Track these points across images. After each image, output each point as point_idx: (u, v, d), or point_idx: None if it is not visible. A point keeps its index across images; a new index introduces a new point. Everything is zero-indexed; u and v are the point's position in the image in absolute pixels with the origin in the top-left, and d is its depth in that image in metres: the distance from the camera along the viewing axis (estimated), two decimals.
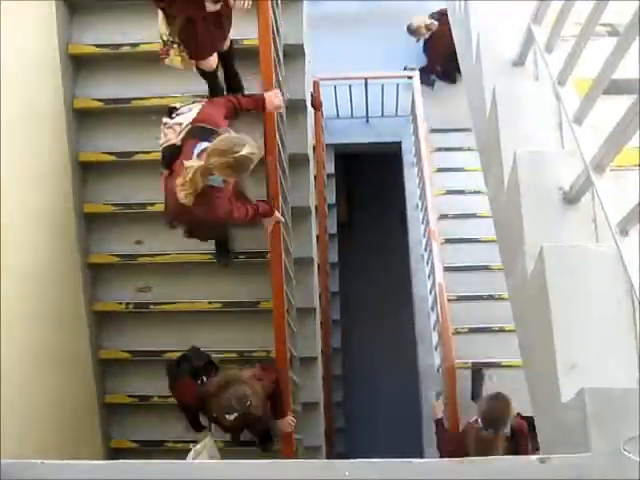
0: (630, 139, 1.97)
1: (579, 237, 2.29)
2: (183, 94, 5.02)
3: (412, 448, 7.41)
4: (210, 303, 5.23)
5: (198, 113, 3.94)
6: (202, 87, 4.86)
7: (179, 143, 3.97)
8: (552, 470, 1.48)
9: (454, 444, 5.03)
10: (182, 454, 5.27)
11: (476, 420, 4.59)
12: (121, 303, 5.30)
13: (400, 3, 9.94)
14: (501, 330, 6.61)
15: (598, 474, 1.46)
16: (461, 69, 3.89)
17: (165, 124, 4.15)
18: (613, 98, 2.23)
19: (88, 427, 5.18)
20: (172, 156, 3.96)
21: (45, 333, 4.46)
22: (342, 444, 9.02)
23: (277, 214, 4.40)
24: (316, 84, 7.95)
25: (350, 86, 8.70)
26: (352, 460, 1.54)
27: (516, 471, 1.50)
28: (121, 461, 1.40)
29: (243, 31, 4.89)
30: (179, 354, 4.67)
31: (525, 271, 2.32)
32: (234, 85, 4.79)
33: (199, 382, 4.30)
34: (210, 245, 5.14)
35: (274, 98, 4.21)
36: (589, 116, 2.24)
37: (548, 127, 2.61)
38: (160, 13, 4.12)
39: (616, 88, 2.23)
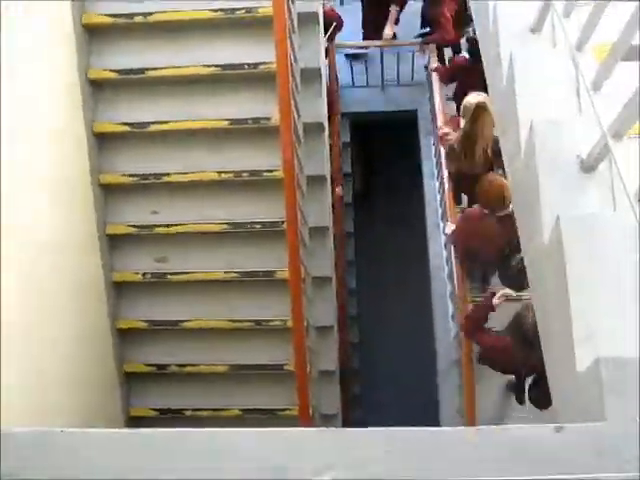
0: None
1: (596, 205, 2.27)
2: (199, 64, 5.03)
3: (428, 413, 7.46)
4: (226, 273, 5.25)
5: None
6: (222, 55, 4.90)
7: None
8: (567, 439, 1.48)
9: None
10: (200, 422, 5.36)
11: None
12: (138, 273, 5.33)
13: None
14: (518, 299, 6.59)
15: (613, 442, 1.46)
16: (477, 34, 3.84)
17: None
18: (632, 64, 2.20)
19: (107, 396, 5.24)
20: None
21: (64, 303, 4.50)
22: (359, 411, 9.09)
23: None
24: (331, 51, 7.90)
25: (366, 54, 8.65)
26: (366, 429, 1.55)
27: (531, 440, 1.50)
28: (140, 429, 1.41)
29: (256, 1, 4.87)
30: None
31: (542, 240, 2.31)
32: None
33: None
34: (224, 213, 5.16)
35: None
36: (607, 83, 2.21)
37: (566, 94, 2.58)
38: None
39: (635, 54, 2.19)
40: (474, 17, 3.94)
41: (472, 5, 4.00)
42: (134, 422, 5.43)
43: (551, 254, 2.22)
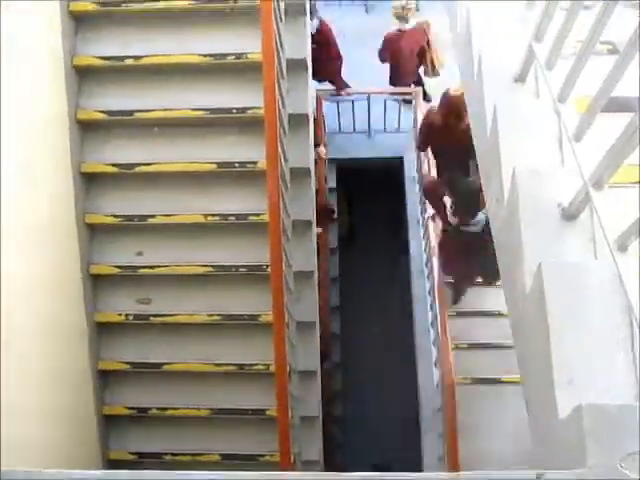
0: (628, 156, 1.98)
1: (578, 253, 2.30)
2: (188, 108, 5.07)
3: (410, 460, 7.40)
4: (209, 315, 5.23)
5: None
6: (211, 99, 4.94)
7: None
8: None
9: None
10: (180, 467, 5.28)
11: None
12: (121, 314, 5.30)
13: None
14: (500, 346, 6.61)
15: None
16: (462, 85, 3.91)
17: None
18: (612, 116, 2.25)
19: (86, 439, 5.17)
20: None
21: (44, 343, 4.46)
22: (341, 458, 9.00)
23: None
24: (319, 99, 8.01)
25: (353, 101, 8.77)
26: (348, 474, 1.54)
27: None
28: (116, 471, 1.40)
29: (247, 45, 4.93)
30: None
31: (524, 287, 2.33)
32: None
33: None
34: (209, 256, 5.17)
35: None
36: (588, 133, 2.25)
37: (548, 144, 2.63)
38: None
39: (615, 105, 2.24)
40: (458, 65, 4.01)
41: (457, 55, 4.07)
42: (112, 465, 5.35)
43: (533, 301, 2.24)
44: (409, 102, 8.95)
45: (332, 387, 8.85)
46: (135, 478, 1.38)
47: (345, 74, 8.72)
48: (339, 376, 9.59)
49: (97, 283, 5.31)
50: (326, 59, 7.58)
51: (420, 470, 7.01)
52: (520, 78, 2.97)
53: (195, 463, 5.27)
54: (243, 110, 5.03)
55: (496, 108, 2.74)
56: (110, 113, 5.14)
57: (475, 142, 3.48)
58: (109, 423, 5.44)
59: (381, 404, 9.56)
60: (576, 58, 2.33)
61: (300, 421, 5.64)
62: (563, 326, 2.07)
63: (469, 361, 6.71)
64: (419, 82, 8.75)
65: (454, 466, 5.66)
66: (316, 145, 7.27)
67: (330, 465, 7.32)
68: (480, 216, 5.30)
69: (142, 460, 5.36)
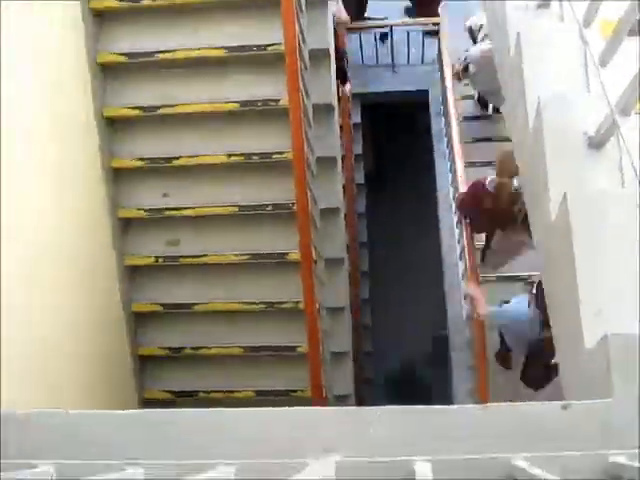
0: None
1: (604, 182, 2.25)
2: (207, 47, 5.02)
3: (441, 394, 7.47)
4: (237, 255, 5.25)
5: None
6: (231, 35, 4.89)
7: None
8: (575, 416, 1.48)
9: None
10: (214, 404, 5.38)
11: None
12: (150, 257, 5.35)
13: None
14: (529, 280, 6.58)
15: (620, 420, 1.46)
16: (485, 12, 3.81)
17: None
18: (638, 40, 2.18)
19: (122, 379, 5.28)
20: None
21: (77, 289, 4.52)
22: (372, 392, 9.12)
23: None
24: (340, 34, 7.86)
25: (375, 34, 8.62)
26: (378, 407, 1.55)
27: (538, 417, 1.51)
28: (146, 410, 1.42)
29: None
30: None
31: (550, 217, 2.30)
32: None
33: None
34: (235, 196, 5.17)
35: None
36: (614, 58, 2.19)
37: (573, 70, 2.56)
38: None
39: None
40: None
41: None
42: (148, 404, 5.47)
43: (559, 231, 2.21)
44: (434, 33, 8.72)
45: (361, 322, 8.92)
46: (163, 420, 1.40)
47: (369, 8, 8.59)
48: (368, 311, 9.64)
49: (125, 227, 5.35)
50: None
51: (451, 402, 7.08)
52: (544, 3, 2.88)
53: (229, 400, 5.37)
54: (264, 47, 4.96)
55: (519, 34, 2.67)
56: (131, 55, 5.10)
57: (498, 69, 3.41)
58: (144, 363, 5.55)
59: (411, 339, 9.63)
60: None
61: (331, 356, 5.70)
62: (589, 256, 2.05)
63: (498, 293, 6.69)
64: None
65: (484, 399, 5.70)
66: (343, 83, 7.15)
67: (362, 398, 7.42)
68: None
69: (177, 398, 5.47)
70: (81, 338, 4.54)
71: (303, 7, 4.89)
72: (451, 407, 1.58)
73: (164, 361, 5.56)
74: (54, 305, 4.17)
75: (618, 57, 2.17)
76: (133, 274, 5.43)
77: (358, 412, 1.53)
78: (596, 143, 2.27)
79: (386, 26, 8.61)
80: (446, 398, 7.31)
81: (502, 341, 5.46)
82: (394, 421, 1.50)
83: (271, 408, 1.49)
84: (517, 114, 2.78)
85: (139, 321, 5.48)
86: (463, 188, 6.53)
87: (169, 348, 5.48)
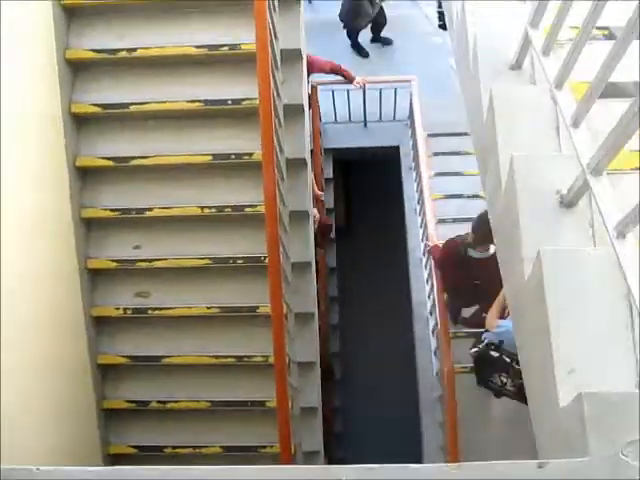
0: (627, 142, 1.97)
1: (576, 241, 2.29)
2: (182, 100, 5.05)
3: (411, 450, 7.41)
4: (208, 308, 5.22)
5: None
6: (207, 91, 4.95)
7: None
8: (550, 474, 1.47)
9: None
10: (181, 460, 5.28)
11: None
12: (119, 308, 5.29)
13: (398, 9, 10.04)
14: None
15: (596, 478, 1.46)
16: (457, 73, 3.89)
17: None
18: (610, 101, 2.23)
19: (87, 433, 5.17)
20: None
21: (44, 338, 4.45)
22: (341, 450, 9.02)
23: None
24: (314, 89, 7.98)
25: (348, 91, 8.75)
26: (349, 465, 1.53)
27: (513, 475, 1.49)
28: (115, 467, 1.39)
29: (240, 35, 4.91)
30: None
31: (522, 275, 2.32)
32: None
33: None
34: (207, 248, 5.16)
35: None
36: (586, 119, 2.23)
37: (545, 131, 2.61)
38: None
39: (613, 91, 2.23)
40: (455, 54, 3.99)
41: (453, 43, 4.05)
42: (113, 460, 5.35)
43: (532, 289, 2.23)
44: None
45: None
46: (133, 477, 1.37)
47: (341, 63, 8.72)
48: (338, 366, 9.59)
49: (95, 277, 5.30)
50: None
51: (420, 459, 7.02)
52: (516, 65, 2.96)
53: (196, 456, 5.27)
54: (238, 101, 5.01)
55: (492, 96, 2.73)
56: (105, 106, 5.12)
57: (471, 130, 3.47)
58: (109, 417, 5.44)
59: (381, 395, 9.57)
60: (572, 44, 2.32)
61: (300, 412, 5.64)
62: (562, 314, 2.06)
63: (468, 350, 6.70)
64: None
65: (454, 456, 5.67)
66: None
67: (331, 456, 7.33)
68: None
69: (143, 454, 5.36)
70: (45, 391, 4.45)
71: (278, 63, 4.96)
72: (424, 466, 1.56)
73: (130, 415, 5.46)
74: (20, 361, 4.09)
75: (590, 118, 2.22)
76: (101, 325, 5.35)
77: (329, 471, 1.51)
78: (568, 202, 2.31)
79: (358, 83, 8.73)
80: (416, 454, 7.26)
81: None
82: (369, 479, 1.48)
83: (240, 467, 1.46)
84: (490, 175, 2.83)
85: (106, 374, 5.39)
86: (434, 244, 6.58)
87: (135, 402, 5.38)
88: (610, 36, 2.78)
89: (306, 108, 5.73)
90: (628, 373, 1.96)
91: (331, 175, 9.55)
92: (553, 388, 1.99)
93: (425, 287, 7.82)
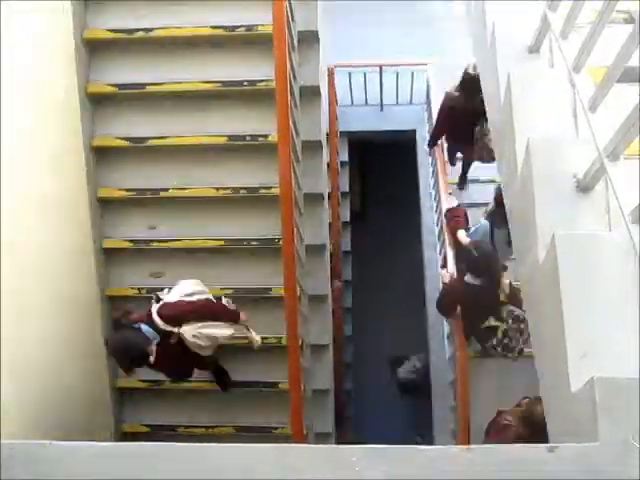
0: None
1: (592, 225, 2.27)
2: (198, 81, 5.05)
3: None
4: (222, 289, 5.23)
5: None
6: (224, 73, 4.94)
7: None
8: (560, 459, 1.47)
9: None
10: (193, 439, 5.32)
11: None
12: (134, 288, 5.31)
13: None
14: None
15: (606, 463, 1.46)
16: (475, 56, 3.86)
17: None
18: (628, 86, 2.21)
19: (101, 412, 5.21)
20: None
21: (59, 319, 4.48)
22: (352, 431, 9.05)
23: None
24: (331, 71, 7.94)
25: (365, 73, 8.70)
26: (360, 446, 1.54)
27: (524, 459, 1.50)
28: (128, 443, 1.40)
29: (257, 17, 4.89)
30: None
31: (537, 259, 2.31)
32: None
33: None
34: (221, 231, 5.17)
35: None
36: (603, 104, 2.21)
37: (562, 114, 2.59)
38: None
39: (631, 76, 2.20)
40: (471, 36, 3.96)
41: (470, 26, 4.02)
42: (126, 438, 5.39)
43: (546, 273, 2.22)
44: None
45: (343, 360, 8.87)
46: (144, 453, 1.38)
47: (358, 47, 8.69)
48: (350, 350, 9.60)
49: (110, 257, 5.32)
50: None
51: (431, 443, 7.03)
52: (534, 49, 2.93)
53: (209, 435, 5.31)
54: (254, 82, 5.00)
55: (510, 79, 2.70)
56: (121, 86, 5.13)
57: (489, 114, 3.45)
58: (124, 396, 5.49)
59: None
60: (591, 27, 2.29)
61: (312, 394, 5.66)
62: (576, 298, 2.06)
63: None
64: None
65: (466, 440, 5.67)
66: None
67: (342, 437, 7.36)
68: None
69: (156, 432, 5.40)
70: (60, 369, 4.49)
71: (295, 44, 4.94)
72: (436, 448, 1.57)
73: (144, 394, 5.49)
74: (38, 342, 4.13)
75: (609, 102, 2.19)
76: (116, 306, 5.38)
77: (340, 451, 1.52)
78: (584, 187, 2.29)
79: (375, 66, 8.68)
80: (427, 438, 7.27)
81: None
82: (379, 460, 1.49)
83: (253, 445, 1.47)
84: (507, 158, 2.81)
85: None
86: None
87: (149, 381, 5.41)
88: (630, 20, 2.74)
89: (322, 90, 5.70)
90: None
91: (346, 158, 9.52)
92: (565, 373, 1.99)
93: (439, 270, 7.80)
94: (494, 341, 5.48)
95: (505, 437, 4.45)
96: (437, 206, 7.82)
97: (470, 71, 5.78)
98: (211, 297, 4.68)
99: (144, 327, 4.19)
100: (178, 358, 4.49)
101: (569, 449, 1.50)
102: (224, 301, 4.74)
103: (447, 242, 6.48)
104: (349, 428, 8.95)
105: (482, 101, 3.69)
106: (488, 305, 5.37)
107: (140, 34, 5.08)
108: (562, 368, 2.02)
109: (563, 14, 2.61)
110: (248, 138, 5.07)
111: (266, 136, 4.99)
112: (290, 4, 4.61)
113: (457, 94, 6.16)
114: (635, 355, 1.94)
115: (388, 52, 8.93)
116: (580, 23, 2.55)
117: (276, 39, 4.24)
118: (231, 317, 4.65)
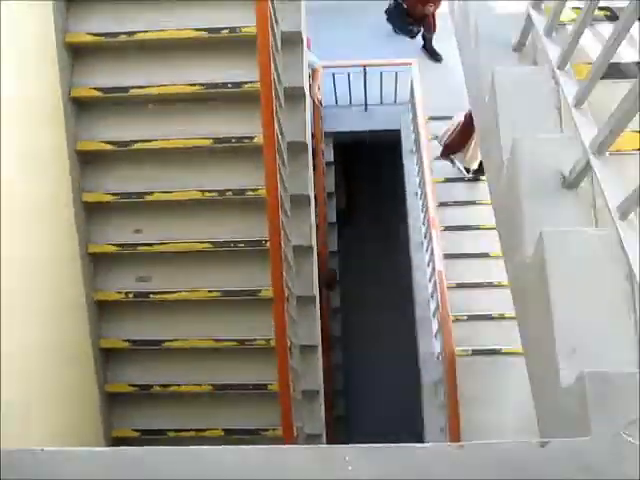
0: (629, 123, 1.97)
1: (578, 222, 2.29)
2: (182, 84, 5.04)
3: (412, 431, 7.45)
4: (210, 292, 5.23)
5: None
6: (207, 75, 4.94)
7: None
8: (552, 454, 1.48)
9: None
10: (183, 443, 5.30)
11: None
12: (120, 292, 5.30)
13: None
14: (501, 317, 6.63)
15: (598, 458, 1.47)
16: (460, 54, 3.88)
17: None
18: (612, 82, 2.23)
19: (90, 417, 5.19)
20: None
21: (45, 324, 4.46)
22: (342, 433, 9.07)
23: None
24: (316, 72, 7.95)
25: (349, 74, 8.73)
26: (352, 445, 1.54)
27: (516, 455, 1.50)
28: (120, 448, 1.40)
29: (240, 19, 4.89)
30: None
31: (524, 256, 2.32)
32: None
33: None
34: (208, 233, 5.16)
35: None
36: (588, 100, 2.23)
37: (547, 112, 2.61)
38: None
39: (615, 72, 2.22)
40: (455, 35, 3.97)
41: (454, 25, 4.04)
42: (116, 443, 5.38)
43: (534, 269, 2.23)
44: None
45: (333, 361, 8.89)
46: (137, 454, 1.38)
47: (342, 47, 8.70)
48: (339, 350, 9.62)
49: (96, 262, 5.30)
50: None
51: (422, 441, 7.05)
52: (518, 46, 2.94)
53: (199, 439, 5.30)
54: (238, 85, 5.00)
55: (494, 77, 2.72)
56: (105, 90, 5.11)
57: (474, 112, 3.46)
58: (112, 401, 5.46)
59: (382, 377, 9.60)
60: (575, 25, 2.31)
61: (302, 395, 5.66)
62: (564, 294, 2.07)
63: (469, 332, 6.73)
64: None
65: (456, 437, 5.69)
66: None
67: (333, 438, 7.37)
68: None
69: (146, 437, 5.38)
70: (48, 375, 4.47)
71: (279, 46, 4.94)
72: (426, 445, 1.57)
73: (132, 398, 5.48)
74: (23, 347, 4.11)
75: (592, 99, 2.21)
76: (102, 310, 5.36)
77: (332, 450, 1.52)
78: (570, 183, 2.31)
79: (359, 66, 8.70)
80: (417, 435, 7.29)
81: None
82: (371, 459, 1.49)
83: (244, 447, 1.47)
84: (492, 157, 2.82)
85: (107, 358, 5.41)
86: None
87: (138, 385, 5.40)
88: (612, 17, 2.77)
89: (307, 91, 5.71)
90: (630, 353, 1.97)
91: (332, 159, 9.54)
92: (555, 368, 2.00)
93: (426, 270, 7.83)
94: None
95: None
96: (423, 204, 7.85)
97: None
98: None
99: None
100: None
101: (561, 444, 1.51)
102: None
103: None
104: (341, 428, 8.97)
105: None
106: None
107: (123, 37, 5.06)
108: (552, 364, 2.03)
109: (547, 12, 2.63)
110: (234, 140, 5.07)
111: (252, 138, 4.99)
112: (273, 5, 4.61)
113: None
114: (625, 350, 1.96)
115: (371, 52, 8.95)
116: (563, 21, 2.57)
117: (260, 41, 4.24)
118: None
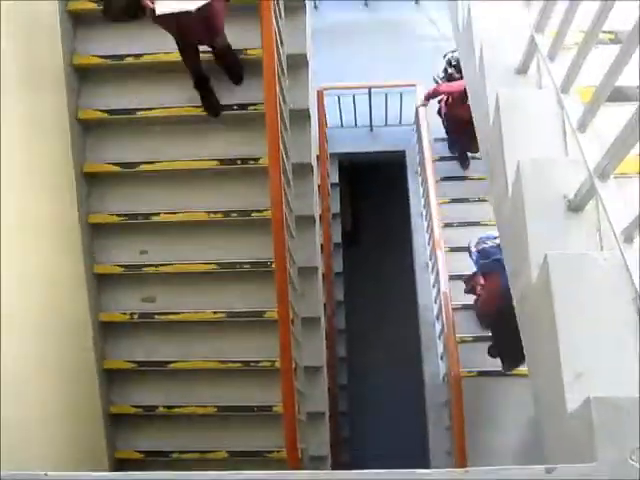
0: (633, 147, 1.97)
1: (583, 245, 2.28)
2: (188, 105, 5.07)
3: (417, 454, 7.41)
4: (215, 313, 5.22)
5: None
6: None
7: None
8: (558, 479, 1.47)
9: None
10: (187, 465, 5.28)
11: None
12: (125, 313, 5.30)
13: (403, 13, 10.05)
14: None
15: None
16: (464, 78, 3.89)
17: None
18: (616, 106, 2.23)
19: (93, 438, 5.16)
20: None
21: (49, 344, 4.45)
22: (347, 453, 9.01)
23: None
24: (320, 94, 7.99)
25: (354, 96, 8.76)
26: (356, 471, 1.53)
27: None
28: (123, 472, 1.39)
29: (247, 41, 4.92)
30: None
31: (530, 279, 2.32)
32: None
33: None
34: (213, 254, 5.16)
35: None
36: (592, 124, 2.23)
37: (552, 135, 2.61)
38: None
39: (619, 95, 2.23)
40: (460, 58, 3.99)
41: (458, 46, 4.06)
42: (119, 464, 5.35)
43: (539, 293, 2.23)
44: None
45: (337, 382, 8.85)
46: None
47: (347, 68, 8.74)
48: (344, 371, 9.58)
49: (101, 283, 5.31)
50: None
51: (427, 464, 7.01)
52: (522, 70, 2.95)
53: (203, 461, 5.27)
54: (244, 106, 5.02)
55: (498, 100, 2.72)
56: (111, 112, 5.14)
57: (478, 136, 3.47)
58: (116, 422, 5.44)
59: (388, 399, 9.56)
60: (578, 48, 2.32)
61: (307, 417, 5.63)
62: (570, 318, 2.06)
63: (475, 354, 6.70)
64: None
65: (462, 460, 5.66)
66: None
67: (338, 460, 7.33)
68: None
69: (149, 459, 5.36)
70: (51, 395, 4.45)
71: (284, 68, 4.96)
72: (432, 470, 1.56)
73: (137, 420, 5.46)
74: (23, 363, 4.10)
75: (597, 123, 2.21)
76: (107, 330, 5.36)
77: (335, 476, 1.51)
78: (575, 207, 2.31)
79: (364, 88, 8.74)
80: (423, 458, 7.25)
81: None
82: None
83: (247, 472, 1.46)
84: (497, 180, 2.82)
85: (112, 379, 5.40)
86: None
87: (142, 407, 5.39)
88: (616, 40, 2.78)
89: (312, 113, 5.73)
90: (636, 377, 1.96)
91: (337, 180, 9.55)
92: (561, 393, 1.99)
93: (431, 291, 7.81)
94: None
95: None
96: (428, 225, 7.85)
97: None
98: None
99: None
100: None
101: (567, 469, 1.49)
102: None
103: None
104: (346, 450, 8.93)
105: None
106: None
107: (130, 60, 5.09)
108: (558, 388, 2.02)
109: (550, 35, 2.64)
110: (239, 162, 5.09)
111: (257, 159, 5.01)
112: (279, 26, 4.64)
113: None
114: (631, 374, 1.95)
115: (377, 74, 8.99)
116: (567, 44, 2.58)
117: (265, 63, 4.27)
118: None
